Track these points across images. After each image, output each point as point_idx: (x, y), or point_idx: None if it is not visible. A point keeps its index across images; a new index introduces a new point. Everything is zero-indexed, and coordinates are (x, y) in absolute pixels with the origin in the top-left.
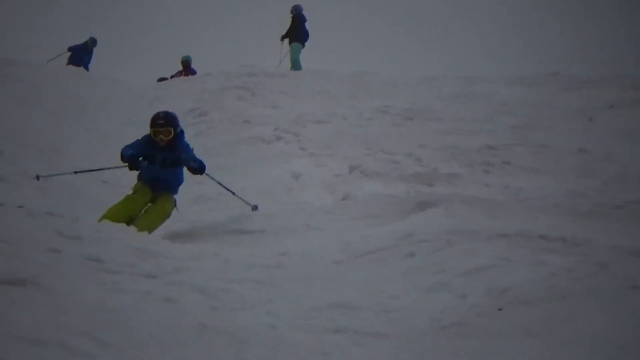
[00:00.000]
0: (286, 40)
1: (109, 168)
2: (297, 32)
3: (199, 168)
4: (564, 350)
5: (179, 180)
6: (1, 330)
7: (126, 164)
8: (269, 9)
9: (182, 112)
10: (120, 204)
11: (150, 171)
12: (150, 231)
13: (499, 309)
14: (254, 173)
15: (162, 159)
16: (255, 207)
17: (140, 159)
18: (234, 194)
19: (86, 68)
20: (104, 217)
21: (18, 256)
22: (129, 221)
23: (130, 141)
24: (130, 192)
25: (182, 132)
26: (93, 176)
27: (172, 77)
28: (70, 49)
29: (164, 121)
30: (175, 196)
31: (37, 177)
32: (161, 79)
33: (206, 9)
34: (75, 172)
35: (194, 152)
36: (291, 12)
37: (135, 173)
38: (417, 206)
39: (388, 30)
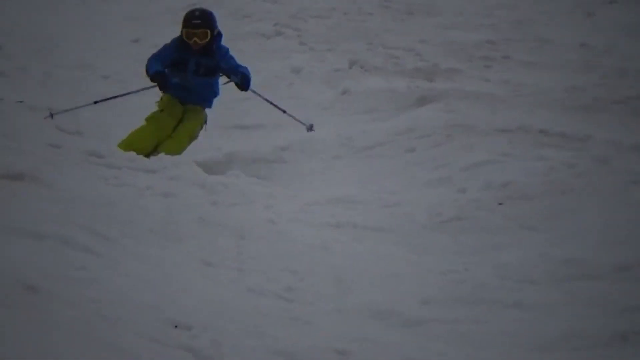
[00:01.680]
0: None
1: (134, 92)
2: None
3: (242, 82)
4: (564, 243)
5: (215, 92)
6: (1, 223)
7: (155, 84)
8: None
9: (183, 7)
10: (146, 128)
11: (181, 80)
12: (179, 153)
13: (499, 204)
14: (254, 68)
15: (195, 66)
16: (310, 127)
17: (167, 70)
18: (285, 112)
19: None
20: (129, 146)
21: (17, 151)
22: (156, 146)
23: (149, 48)
24: (155, 108)
25: (220, 34)
26: (93, 71)
27: None
28: None
29: (200, 21)
30: (207, 111)
31: (51, 115)
32: None
33: None
34: (95, 102)
35: (236, 59)
36: None
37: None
38: (417, 101)
39: None
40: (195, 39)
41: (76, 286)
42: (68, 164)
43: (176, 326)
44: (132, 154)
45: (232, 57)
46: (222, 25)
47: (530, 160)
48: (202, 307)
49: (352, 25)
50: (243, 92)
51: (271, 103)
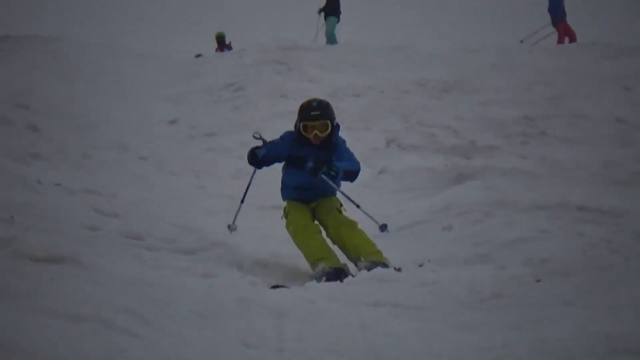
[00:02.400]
0: (322, 14)
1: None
2: (333, 6)
3: (356, 173)
4: (603, 319)
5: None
6: (42, 306)
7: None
8: None
9: (220, 86)
10: (304, 242)
11: (301, 179)
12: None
13: (538, 280)
14: None
15: (315, 161)
16: (384, 227)
17: (283, 172)
18: (358, 207)
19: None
20: (315, 259)
21: (57, 234)
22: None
23: (168, 114)
24: (283, 219)
25: (338, 126)
26: (131, 152)
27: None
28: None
29: (320, 112)
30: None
31: (230, 229)
32: (198, 55)
33: None
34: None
35: (350, 152)
36: None
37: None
38: (454, 179)
39: (423, 2)
40: (315, 132)
41: None
42: (107, 246)
43: None
44: (172, 235)
45: (346, 150)
46: (261, 104)
47: (569, 236)
48: None
49: (388, 103)
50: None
51: (346, 196)
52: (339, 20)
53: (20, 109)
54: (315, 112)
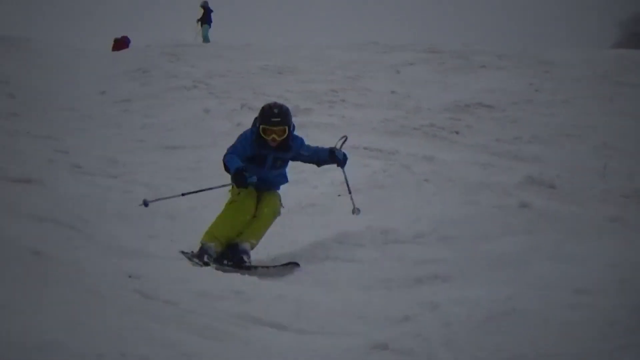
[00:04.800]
0: (199, 23)
1: (216, 187)
2: (206, 17)
3: (338, 159)
4: (382, 219)
5: (286, 179)
6: (15, 209)
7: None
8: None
9: (133, 70)
10: (227, 218)
11: (257, 173)
12: (257, 239)
13: (339, 195)
14: (180, 108)
15: (272, 161)
16: (357, 211)
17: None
18: (350, 193)
19: None
20: (212, 237)
21: (27, 164)
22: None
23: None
24: (228, 196)
25: (294, 127)
26: (76, 112)
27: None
28: None
29: (280, 118)
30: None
31: (145, 204)
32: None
33: None
34: (183, 194)
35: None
36: (201, 5)
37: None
38: None
39: (273, 8)
40: (274, 135)
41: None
42: (60, 173)
43: None
44: (102, 165)
45: (308, 146)
46: (161, 82)
47: (359, 166)
48: None
49: (243, 81)
50: (340, 167)
51: (347, 182)
52: (210, 27)
53: (1, 84)
54: (276, 118)
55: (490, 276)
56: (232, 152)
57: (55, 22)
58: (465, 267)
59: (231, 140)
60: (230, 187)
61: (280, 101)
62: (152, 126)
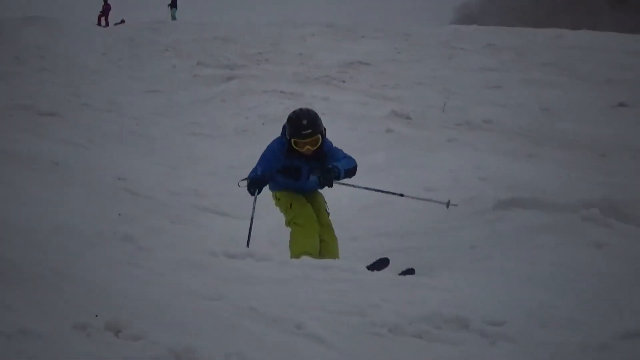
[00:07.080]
0: (170, 6)
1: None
2: (174, 2)
3: (323, 180)
4: None
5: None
6: (42, 134)
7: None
8: None
9: (121, 41)
10: (310, 232)
11: (295, 186)
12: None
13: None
14: (156, 65)
15: (309, 171)
16: (448, 203)
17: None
18: (381, 191)
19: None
20: (304, 252)
21: (52, 103)
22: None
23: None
24: (288, 206)
25: (325, 130)
26: (84, 68)
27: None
28: None
29: (311, 130)
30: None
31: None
32: (119, 23)
33: None
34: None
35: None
36: None
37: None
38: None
39: None
40: (308, 147)
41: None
42: (75, 108)
43: None
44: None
45: (337, 150)
46: (144, 50)
47: (276, 105)
48: None
49: (199, 46)
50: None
51: (366, 188)
52: (177, 9)
53: (36, 49)
54: (307, 130)
55: (364, 179)
56: (260, 164)
57: (77, 3)
58: None
59: (188, 86)
60: (278, 199)
61: (223, 60)
62: (138, 78)
